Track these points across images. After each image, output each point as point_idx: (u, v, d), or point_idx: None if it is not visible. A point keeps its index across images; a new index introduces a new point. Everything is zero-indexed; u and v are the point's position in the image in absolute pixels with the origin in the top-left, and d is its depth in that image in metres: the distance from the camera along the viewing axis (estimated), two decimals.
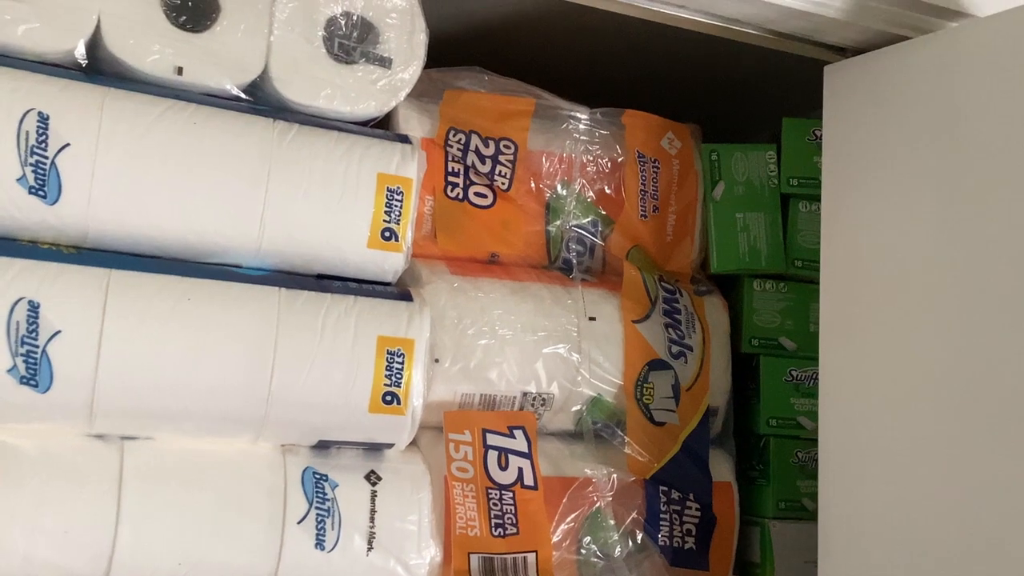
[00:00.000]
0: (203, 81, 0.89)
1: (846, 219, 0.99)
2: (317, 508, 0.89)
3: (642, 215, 1.10)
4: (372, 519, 0.91)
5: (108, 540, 0.83)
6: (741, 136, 1.16)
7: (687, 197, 1.12)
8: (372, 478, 0.93)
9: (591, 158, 1.08)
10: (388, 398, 0.90)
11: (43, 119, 0.82)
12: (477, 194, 1.04)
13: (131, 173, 0.85)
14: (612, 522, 1.01)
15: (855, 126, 1.00)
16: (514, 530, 0.95)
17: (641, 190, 1.10)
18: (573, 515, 0.99)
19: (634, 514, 1.02)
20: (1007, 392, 0.83)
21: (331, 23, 0.93)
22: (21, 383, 0.81)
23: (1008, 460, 0.82)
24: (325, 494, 0.90)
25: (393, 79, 0.96)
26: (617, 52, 1.13)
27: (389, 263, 0.94)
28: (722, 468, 1.09)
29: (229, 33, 0.89)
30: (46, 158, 0.82)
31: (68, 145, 0.83)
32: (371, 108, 0.95)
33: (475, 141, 1.03)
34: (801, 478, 1.11)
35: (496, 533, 0.95)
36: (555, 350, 1.01)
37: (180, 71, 0.88)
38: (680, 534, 1.03)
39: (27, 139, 0.82)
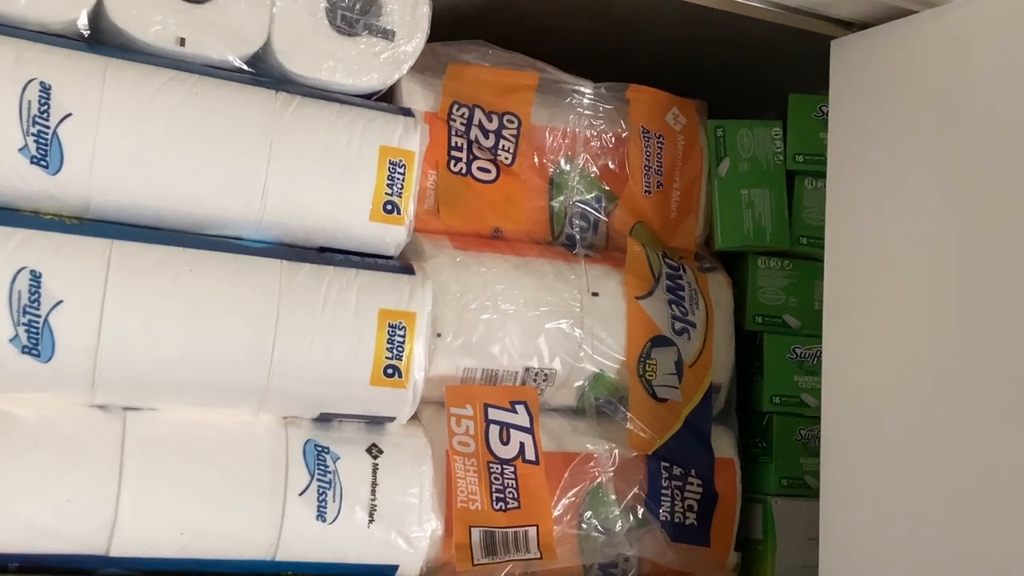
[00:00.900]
0: (205, 52, 0.89)
1: (851, 196, 0.99)
2: (319, 480, 0.89)
3: (646, 191, 1.09)
4: (373, 492, 0.91)
5: (110, 509, 0.83)
6: (747, 112, 1.16)
7: (692, 173, 1.12)
8: (374, 451, 0.93)
9: (595, 133, 1.08)
10: (389, 371, 0.90)
11: (45, 89, 0.82)
12: (480, 169, 1.04)
13: (133, 144, 0.85)
14: (613, 497, 1.01)
15: (862, 101, 0.99)
16: (515, 504, 0.95)
17: (645, 166, 1.09)
18: (574, 490, 0.99)
19: (635, 489, 1.02)
20: (1010, 372, 0.82)
21: None
22: (23, 353, 0.81)
23: (1010, 440, 0.81)
24: (327, 466, 0.90)
25: (396, 52, 0.95)
26: (622, 27, 1.12)
27: (391, 236, 0.94)
28: (724, 445, 1.09)
29: (232, 4, 0.89)
30: (48, 128, 0.82)
31: (70, 115, 0.83)
32: (374, 81, 0.95)
33: (478, 115, 1.03)
34: (804, 455, 1.11)
35: (497, 507, 0.95)
36: (558, 325, 1.01)
37: (182, 42, 0.88)
38: (681, 510, 1.03)
39: (29, 109, 0.82)
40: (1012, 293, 0.83)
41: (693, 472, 1.05)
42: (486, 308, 0.99)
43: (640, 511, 1.02)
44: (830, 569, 0.93)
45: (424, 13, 0.96)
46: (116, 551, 0.84)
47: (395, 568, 0.92)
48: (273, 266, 0.89)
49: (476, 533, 0.93)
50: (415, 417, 0.97)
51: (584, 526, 0.99)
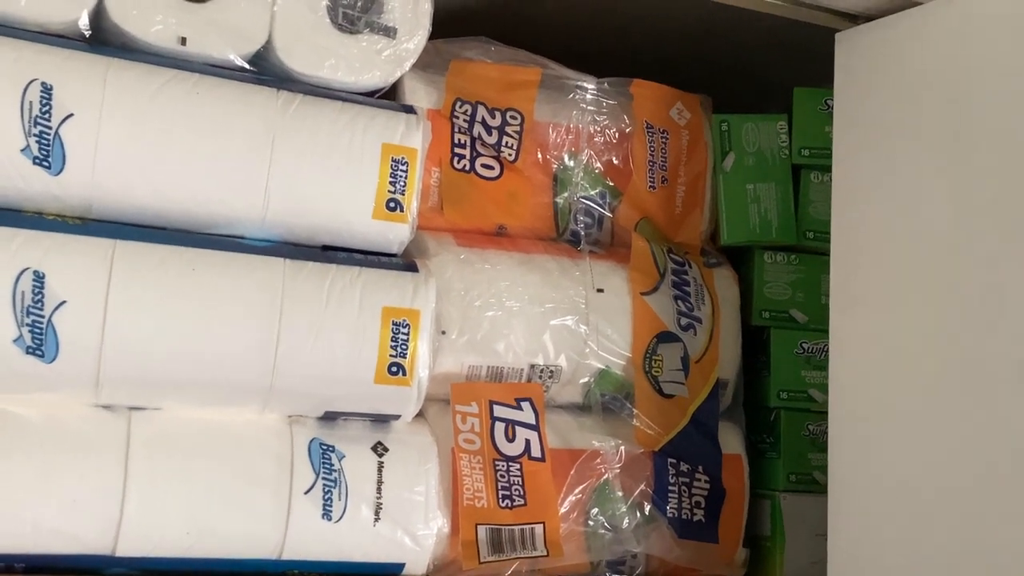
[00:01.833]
0: (206, 51, 0.89)
1: (857, 190, 0.98)
2: (324, 478, 0.89)
3: (651, 186, 1.09)
4: (379, 490, 0.91)
5: (116, 509, 0.83)
6: (752, 107, 1.15)
7: (696, 168, 1.11)
8: (379, 449, 0.93)
9: (599, 129, 1.08)
10: (394, 369, 0.90)
11: (47, 89, 0.82)
12: (484, 165, 1.03)
13: (135, 143, 0.85)
14: (620, 494, 1.00)
15: (867, 94, 0.99)
16: (521, 501, 0.95)
17: (650, 161, 1.09)
18: (581, 487, 0.99)
19: (642, 486, 1.01)
20: (1019, 366, 0.82)
21: None
22: (27, 353, 0.81)
23: (1019, 434, 0.81)
24: (332, 465, 0.90)
25: (398, 49, 0.95)
26: (626, 22, 1.12)
27: (394, 234, 0.94)
28: (732, 440, 1.08)
29: (232, 3, 0.89)
30: (50, 128, 0.82)
31: (72, 115, 0.83)
32: (375, 78, 0.95)
33: (481, 112, 1.03)
34: (812, 451, 1.10)
35: (503, 504, 0.95)
36: (563, 322, 1.01)
37: (184, 41, 0.88)
38: (689, 506, 1.03)
39: (31, 109, 0.82)
40: (1020, 286, 0.83)
41: (700, 468, 1.04)
42: (491, 305, 0.99)
43: (647, 508, 1.01)
44: (838, 565, 0.93)
45: (426, 10, 0.96)
46: (122, 551, 0.84)
47: (401, 566, 0.92)
48: (276, 265, 0.89)
49: (482, 531, 0.93)
50: (420, 415, 0.97)
51: (591, 523, 0.99)
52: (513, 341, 0.99)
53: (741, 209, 1.12)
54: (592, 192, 1.08)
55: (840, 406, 0.96)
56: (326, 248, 0.94)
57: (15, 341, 0.80)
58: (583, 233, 1.07)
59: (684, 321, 1.06)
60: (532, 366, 1.00)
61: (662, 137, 1.10)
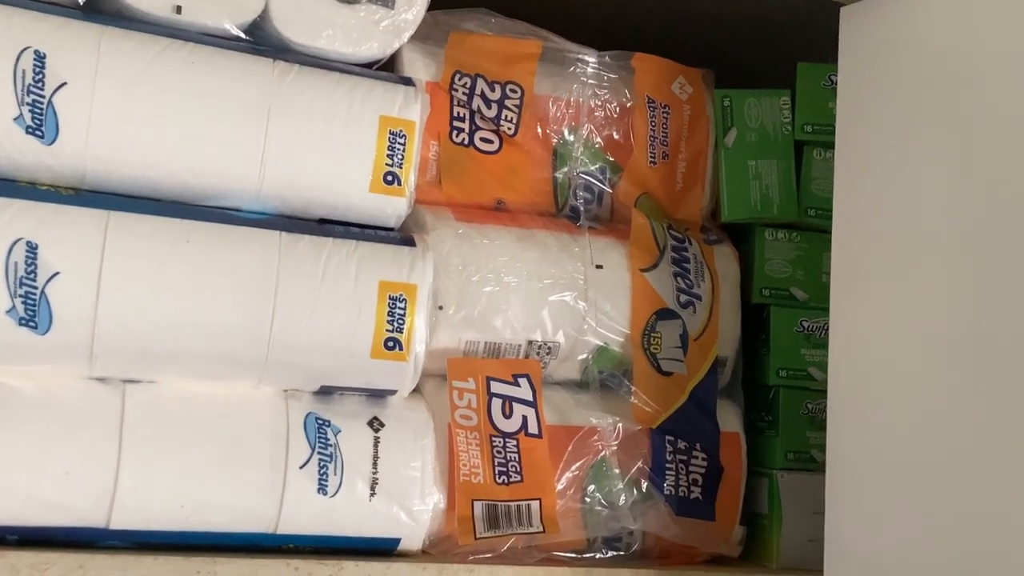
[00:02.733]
0: (202, 20, 0.88)
1: (860, 167, 0.97)
2: (319, 453, 0.89)
3: (651, 162, 1.08)
4: (375, 465, 0.91)
5: (110, 481, 0.83)
6: (755, 84, 1.14)
7: (698, 144, 1.10)
8: (375, 424, 0.92)
9: (599, 103, 1.06)
10: (390, 344, 0.90)
11: (40, 57, 0.81)
12: (483, 139, 1.02)
13: (129, 113, 0.84)
14: (617, 471, 1.00)
15: (872, 70, 0.98)
16: (518, 478, 0.95)
17: (650, 136, 1.08)
18: (578, 464, 0.99)
19: (639, 463, 1.01)
20: (1020, 346, 0.81)
21: None
22: (20, 324, 0.80)
23: (1020, 414, 0.80)
24: (327, 439, 0.90)
25: (396, 20, 0.94)
26: None
27: (392, 207, 0.93)
28: (730, 418, 1.08)
29: None
30: (43, 97, 0.81)
31: (65, 84, 0.82)
32: (373, 49, 0.94)
33: (481, 85, 1.01)
34: (810, 429, 1.10)
35: (500, 481, 0.94)
36: (561, 298, 1.00)
37: (179, 10, 0.87)
38: (686, 484, 1.03)
39: (23, 78, 0.81)
40: (1022, 266, 0.82)
41: (698, 446, 1.04)
42: (489, 280, 0.98)
43: (644, 485, 1.01)
44: (835, 543, 0.93)
45: None
46: (116, 523, 0.83)
47: (397, 541, 0.92)
48: (272, 237, 0.88)
49: (479, 506, 0.93)
50: (417, 390, 0.96)
51: (587, 500, 0.99)
52: (511, 317, 0.98)
53: (742, 186, 1.11)
54: (592, 167, 1.07)
55: (839, 385, 0.95)
56: (323, 221, 0.93)
57: (8, 312, 0.80)
58: (583, 208, 1.06)
59: (683, 298, 1.05)
60: (530, 342, 1.00)
61: (663, 112, 1.08)
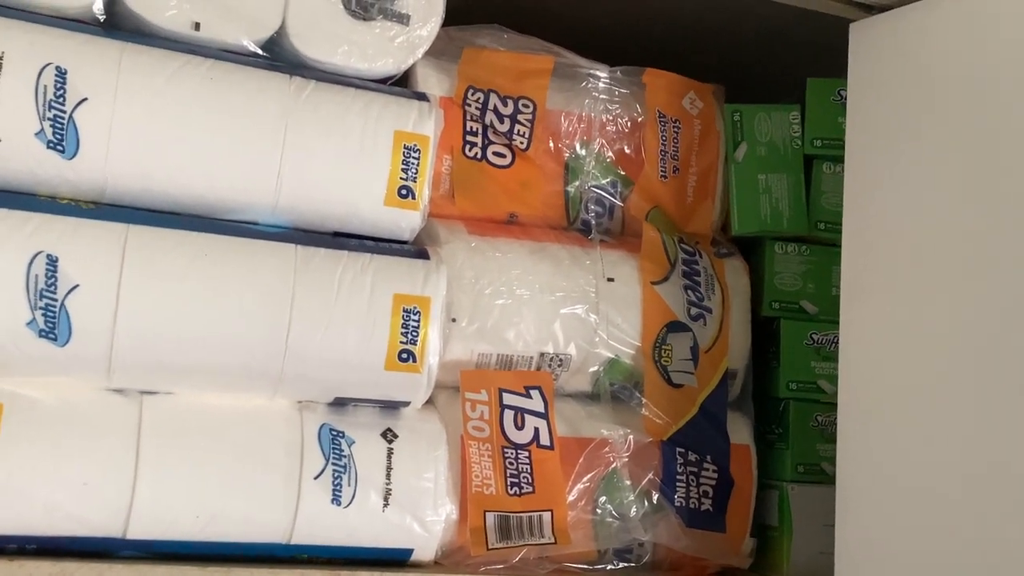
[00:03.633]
0: (220, 37, 0.89)
1: (869, 181, 0.98)
2: (334, 464, 0.90)
3: (662, 176, 1.09)
4: (388, 476, 0.91)
5: (127, 492, 0.84)
6: (765, 98, 1.15)
7: (708, 158, 1.11)
8: (388, 435, 0.93)
9: (610, 118, 1.07)
10: (404, 356, 0.91)
11: (61, 73, 0.83)
12: (496, 153, 1.03)
13: (148, 128, 0.85)
14: (628, 483, 1.01)
15: (881, 86, 0.98)
16: (530, 489, 0.96)
17: (661, 150, 1.09)
18: (589, 475, 0.99)
19: (650, 475, 1.02)
20: None
21: None
22: (40, 336, 0.81)
23: None
24: (341, 450, 0.90)
25: (411, 36, 0.95)
26: (640, 10, 1.12)
27: (406, 221, 0.94)
28: (740, 431, 1.08)
29: None
30: (64, 112, 0.83)
31: (86, 99, 0.83)
32: (389, 65, 0.95)
33: (494, 100, 1.03)
34: (820, 442, 1.10)
35: (512, 492, 0.95)
36: (573, 311, 1.01)
37: (197, 26, 0.88)
38: (696, 496, 1.03)
39: (45, 93, 0.82)
40: None
41: (708, 458, 1.04)
42: (501, 293, 0.99)
43: (655, 497, 1.02)
44: (846, 556, 0.93)
45: None
46: (133, 534, 0.84)
47: (410, 552, 0.93)
48: (288, 251, 0.89)
49: (491, 517, 0.93)
50: (430, 402, 0.97)
51: (599, 511, 0.99)
52: (523, 329, 0.99)
53: (752, 199, 1.11)
54: (603, 181, 1.08)
55: (849, 397, 0.96)
56: (338, 234, 0.94)
57: (28, 324, 0.81)
58: (594, 222, 1.07)
59: (694, 311, 1.06)
60: (542, 354, 1.00)
61: (674, 126, 1.09)
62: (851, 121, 1.00)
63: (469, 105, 1.02)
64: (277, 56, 0.92)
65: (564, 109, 1.06)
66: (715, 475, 1.05)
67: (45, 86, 0.82)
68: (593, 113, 1.07)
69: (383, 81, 0.97)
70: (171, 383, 0.88)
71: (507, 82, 1.03)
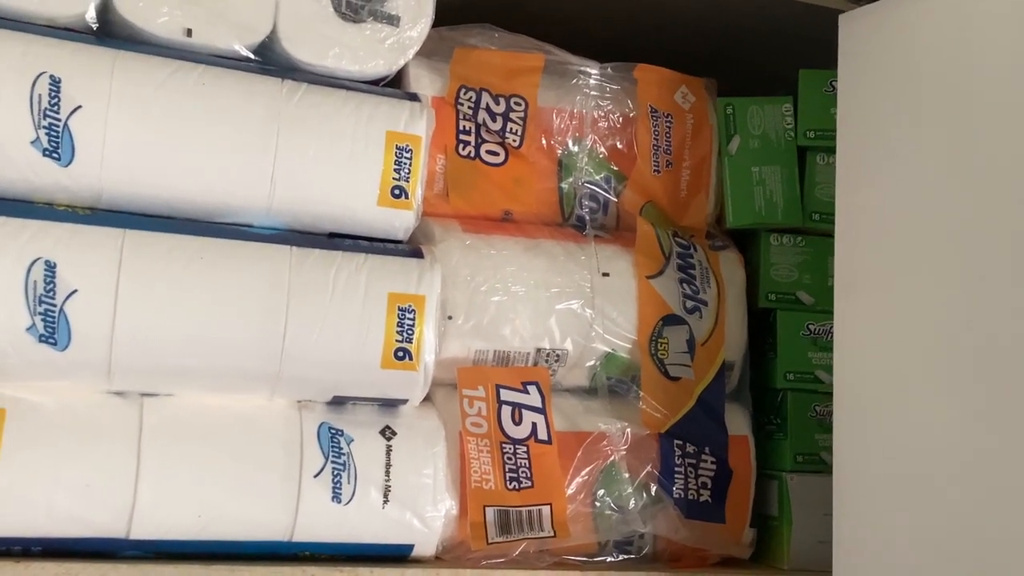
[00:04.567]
0: (212, 42, 0.90)
1: (861, 171, 0.98)
2: (333, 462, 0.91)
3: (655, 170, 1.09)
4: (387, 473, 0.92)
5: (129, 493, 0.85)
6: (757, 92, 1.15)
7: (701, 152, 1.12)
8: (387, 433, 0.94)
9: (602, 114, 1.08)
10: (400, 354, 0.91)
11: (55, 82, 0.84)
12: (489, 152, 1.04)
13: (142, 134, 0.86)
14: (627, 475, 1.01)
15: (871, 76, 0.99)
16: (528, 483, 0.96)
17: (654, 145, 1.09)
18: (588, 469, 1.00)
19: (649, 467, 1.02)
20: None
21: None
22: (40, 341, 0.83)
23: None
24: (341, 448, 0.91)
25: (401, 37, 0.96)
26: (630, 6, 1.12)
27: (399, 220, 0.95)
28: (738, 422, 1.09)
29: None
30: (59, 120, 0.84)
31: (80, 107, 0.84)
32: (380, 67, 0.96)
33: (485, 99, 1.03)
34: (819, 432, 1.11)
35: (511, 487, 0.96)
36: (568, 306, 1.02)
37: (189, 33, 0.89)
38: (695, 487, 1.04)
39: (40, 102, 0.83)
40: None
41: (707, 450, 1.05)
42: (497, 290, 0.99)
43: (654, 489, 1.02)
44: (844, 544, 0.94)
45: None
46: (136, 534, 0.86)
47: (411, 547, 0.94)
48: (283, 252, 0.90)
49: (490, 512, 0.94)
50: (428, 399, 0.98)
51: (598, 504, 1.00)
52: (519, 326, 1.00)
53: (747, 192, 1.12)
54: (597, 177, 1.08)
55: (845, 387, 0.96)
56: (332, 235, 0.95)
57: (28, 330, 0.82)
58: (588, 218, 1.08)
59: (690, 304, 1.07)
60: (538, 350, 1.01)
61: (666, 121, 1.10)
62: (841, 112, 1.01)
63: (461, 104, 1.03)
64: (269, 60, 0.93)
65: (556, 106, 1.06)
66: (714, 466, 1.05)
67: (40, 95, 0.83)
68: (585, 109, 1.07)
69: (375, 82, 0.98)
70: (170, 385, 0.89)
71: (499, 80, 1.04)
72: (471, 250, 1.00)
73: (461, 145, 1.03)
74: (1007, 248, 0.84)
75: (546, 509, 0.96)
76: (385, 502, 0.92)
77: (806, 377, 1.12)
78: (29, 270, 0.82)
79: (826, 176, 1.12)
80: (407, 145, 0.94)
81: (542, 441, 0.98)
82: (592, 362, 1.04)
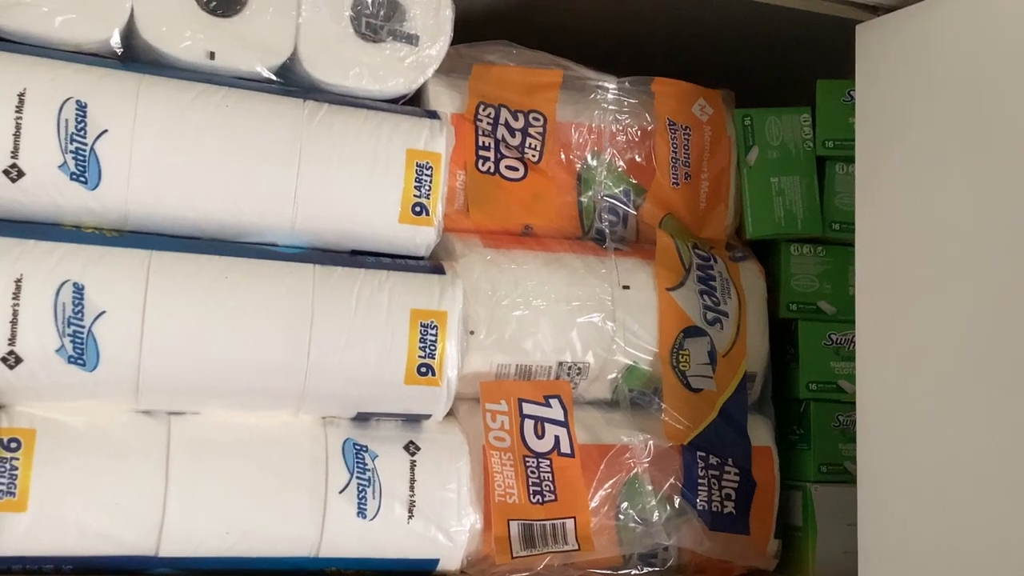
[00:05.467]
0: (235, 65, 0.91)
1: (880, 181, 0.98)
2: (358, 478, 0.92)
3: (674, 183, 1.10)
4: (412, 488, 0.93)
5: (158, 511, 0.86)
6: (774, 102, 1.15)
7: (720, 163, 1.12)
8: (411, 448, 0.95)
9: (621, 127, 1.09)
10: (423, 370, 0.92)
11: (81, 107, 0.85)
12: (508, 167, 1.05)
13: (167, 157, 0.87)
14: (650, 488, 1.02)
15: (888, 86, 0.99)
16: (552, 497, 0.97)
17: (672, 158, 1.10)
18: (611, 481, 1.00)
19: (672, 479, 1.03)
20: None
21: (357, 2, 0.95)
22: (69, 362, 0.84)
23: None
24: (365, 464, 0.92)
25: (420, 56, 0.97)
26: (646, 19, 1.13)
27: (421, 237, 0.96)
28: (761, 433, 1.09)
29: (258, 16, 0.91)
30: (85, 145, 0.85)
31: (106, 131, 0.86)
32: (399, 85, 0.97)
33: (504, 115, 1.04)
34: (842, 441, 1.11)
35: (535, 500, 0.96)
36: (590, 319, 1.02)
37: (212, 56, 0.91)
38: (719, 499, 1.04)
39: (67, 127, 0.85)
40: None
41: (730, 461, 1.05)
42: (518, 304, 1.00)
43: (677, 501, 1.02)
44: (869, 554, 0.93)
45: (447, 16, 0.97)
46: (165, 551, 0.87)
47: (436, 562, 0.94)
48: (306, 271, 0.91)
49: (514, 526, 0.95)
50: (451, 413, 0.99)
51: (621, 517, 1.00)
52: (541, 339, 1.00)
53: (766, 202, 1.12)
54: (616, 190, 1.09)
55: (868, 396, 0.96)
56: (355, 253, 0.96)
57: (58, 351, 0.83)
58: (608, 231, 1.08)
59: (710, 315, 1.07)
60: (560, 363, 1.02)
61: (684, 133, 1.10)
62: (860, 121, 1.01)
63: (480, 120, 1.04)
64: (290, 81, 0.95)
65: (574, 121, 1.07)
66: (737, 478, 1.05)
67: (67, 120, 0.85)
68: (603, 124, 1.08)
69: (395, 101, 0.99)
70: (197, 403, 0.90)
71: (517, 96, 1.04)
72: (492, 265, 1.01)
73: (481, 161, 1.04)
74: None
75: (570, 522, 0.97)
76: (410, 517, 0.92)
77: (829, 387, 1.12)
78: (58, 292, 0.83)
79: (845, 186, 1.12)
80: (427, 162, 0.94)
81: (565, 454, 0.99)
82: (614, 375, 1.04)
